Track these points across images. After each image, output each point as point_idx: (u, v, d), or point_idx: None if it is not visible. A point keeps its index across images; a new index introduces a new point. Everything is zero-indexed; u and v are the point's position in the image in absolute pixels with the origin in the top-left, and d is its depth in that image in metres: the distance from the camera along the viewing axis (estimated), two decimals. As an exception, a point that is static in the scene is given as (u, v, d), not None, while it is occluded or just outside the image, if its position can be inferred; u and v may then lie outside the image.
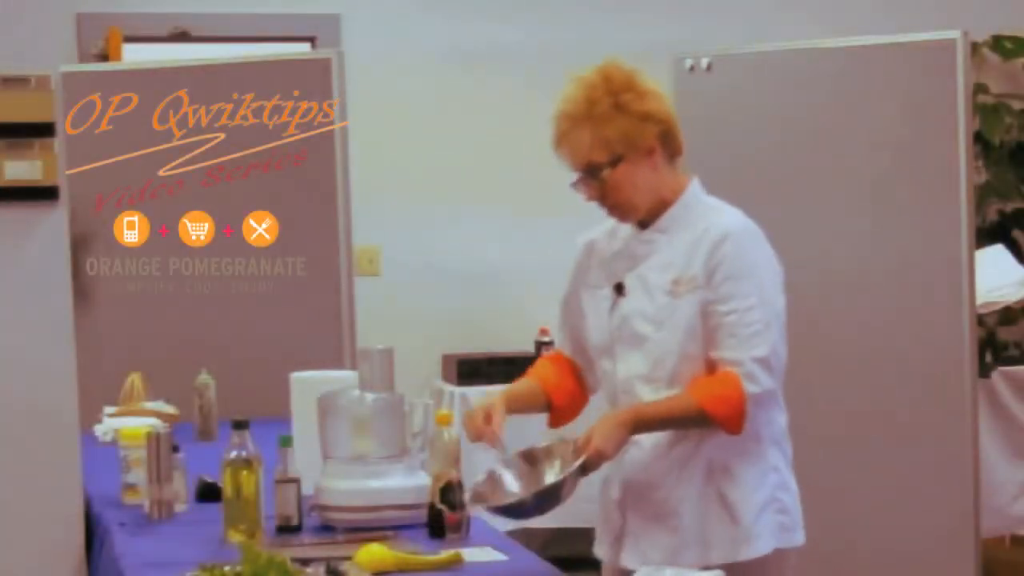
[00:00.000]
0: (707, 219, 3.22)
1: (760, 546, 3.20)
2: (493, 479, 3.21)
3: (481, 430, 3.22)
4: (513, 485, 3.18)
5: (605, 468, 3.26)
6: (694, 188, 3.28)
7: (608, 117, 3.18)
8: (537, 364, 3.50)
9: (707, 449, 3.20)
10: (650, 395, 3.21)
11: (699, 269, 3.17)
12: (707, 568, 3.11)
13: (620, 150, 3.18)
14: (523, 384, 3.43)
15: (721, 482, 3.20)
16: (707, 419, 3.13)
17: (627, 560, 3.30)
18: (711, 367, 3.17)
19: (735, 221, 3.23)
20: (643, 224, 3.27)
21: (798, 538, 3.27)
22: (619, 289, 3.26)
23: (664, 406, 3.17)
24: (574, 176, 3.24)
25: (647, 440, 3.21)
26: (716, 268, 3.16)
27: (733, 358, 3.13)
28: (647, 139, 3.19)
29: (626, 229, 3.30)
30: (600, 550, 3.43)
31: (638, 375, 3.24)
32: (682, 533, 3.22)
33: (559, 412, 3.40)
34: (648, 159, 3.20)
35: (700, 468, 3.21)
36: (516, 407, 3.31)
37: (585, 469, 3.11)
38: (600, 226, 3.40)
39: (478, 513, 3.61)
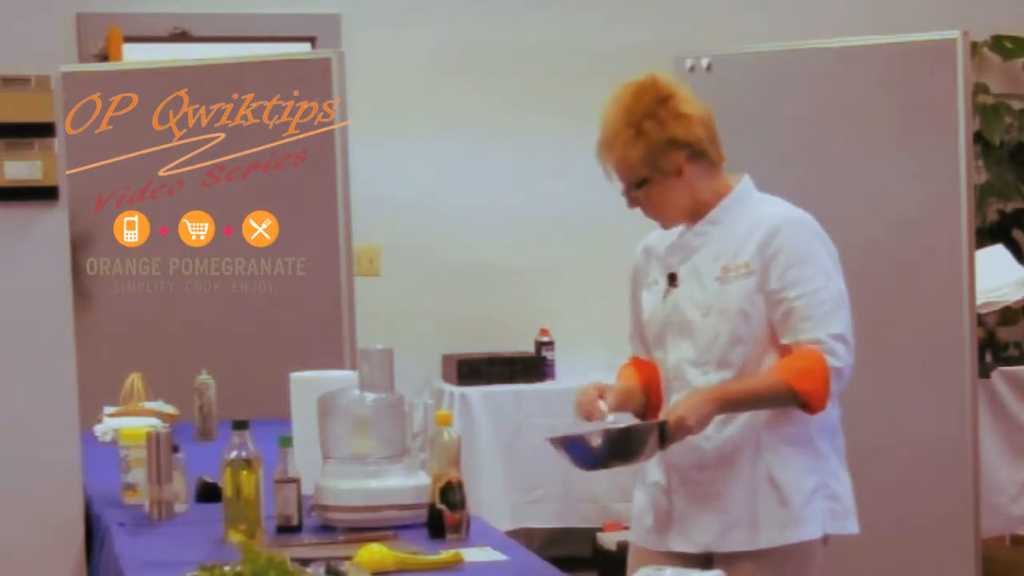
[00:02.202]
0: (760, 210, 3.31)
1: (809, 530, 3.26)
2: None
3: (592, 407, 3.23)
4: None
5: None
6: (746, 184, 3.37)
7: (630, 143, 3.28)
8: (623, 369, 3.52)
9: (755, 432, 3.25)
10: (700, 378, 3.27)
11: (752, 256, 3.24)
12: (756, 550, 3.23)
13: (644, 173, 3.28)
14: (622, 383, 3.45)
15: (771, 465, 3.26)
16: (793, 395, 3.18)
17: (675, 544, 3.34)
18: (763, 352, 3.23)
19: (788, 211, 3.32)
20: (695, 218, 3.34)
21: (850, 526, 3.33)
22: (672, 279, 3.34)
23: (750, 384, 3.23)
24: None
25: None
26: (775, 257, 3.23)
27: (812, 338, 3.19)
28: (672, 162, 3.28)
29: (678, 226, 3.37)
30: (639, 535, 3.44)
31: (687, 359, 3.30)
32: (731, 514, 3.27)
33: (653, 410, 3.42)
34: (677, 179, 3.28)
35: (749, 451, 3.26)
36: (619, 402, 3.33)
37: (664, 437, 3.14)
38: (653, 232, 3.46)
39: (478, 513, 3.62)
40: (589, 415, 3.25)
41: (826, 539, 3.30)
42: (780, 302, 3.22)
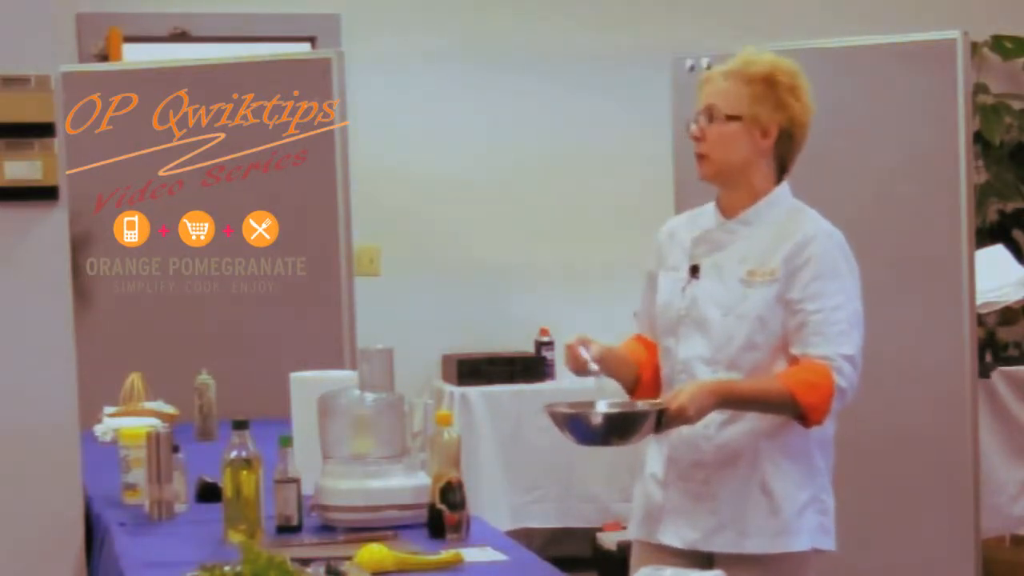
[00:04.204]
0: (793, 219, 3.32)
1: (799, 542, 3.27)
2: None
3: (578, 362, 3.27)
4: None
5: (647, 445, 3.34)
6: (784, 189, 3.38)
7: (754, 81, 3.29)
8: (626, 341, 3.55)
9: (756, 439, 3.26)
10: (709, 376, 3.28)
11: (779, 264, 3.25)
12: (743, 555, 3.24)
13: (743, 110, 3.29)
14: (620, 350, 3.48)
15: (767, 474, 3.26)
16: (794, 405, 3.19)
17: (664, 537, 3.36)
18: (775, 359, 3.24)
19: (821, 224, 3.33)
20: (726, 214, 3.35)
21: (831, 542, 3.33)
22: (694, 271, 3.34)
23: (754, 385, 3.23)
24: (694, 113, 3.35)
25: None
26: (802, 267, 3.24)
27: (821, 354, 3.20)
28: (771, 121, 3.30)
29: (708, 218, 3.39)
30: (634, 528, 3.47)
31: (699, 356, 3.31)
32: (720, 515, 3.28)
33: (644, 387, 3.44)
34: (760, 139, 3.30)
35: (747, 456, 3.27)
36: (609, 362, 3.35)
37: (661, 422, 3.15)
38: (681, 215, 3.50)
39: (478, 513, 3.62)
40: (576, 368, 3.28)
41: (818, 552, 3.31)
42: (797, 312, 3.23)
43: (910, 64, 5.28)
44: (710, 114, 3.31)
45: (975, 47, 6.76)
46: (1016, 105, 7.15)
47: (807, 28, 6.54)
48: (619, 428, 3.16)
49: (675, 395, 3.19)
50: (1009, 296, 6.15)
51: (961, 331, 5.17)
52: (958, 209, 5.17)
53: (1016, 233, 7.10)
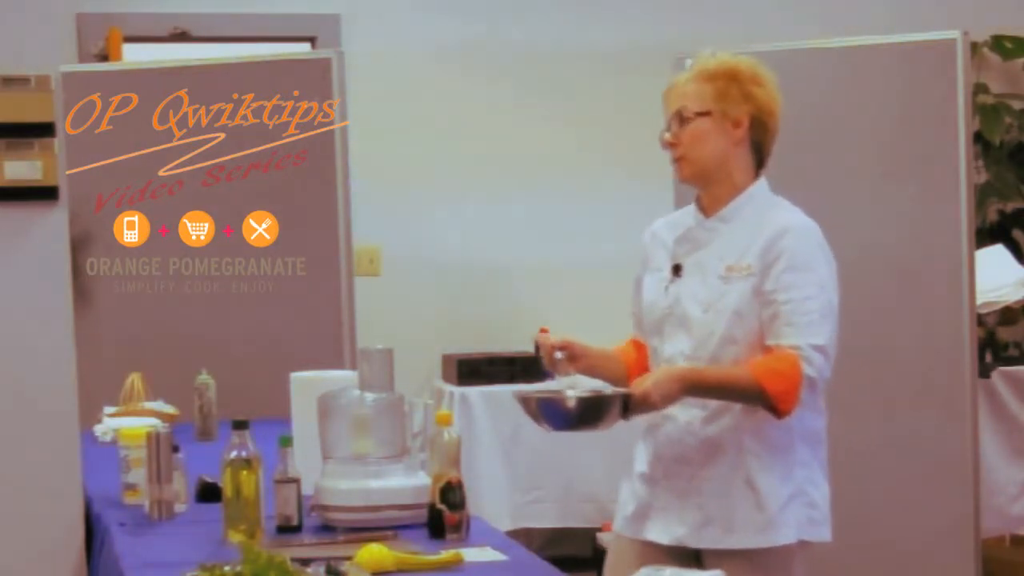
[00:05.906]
0: (769, 213, 3.35)
1: (784, 535, 3.27)
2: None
3: (553, 363, 3.36)
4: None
5: (636, 444, 3.38)
6: (761, 184, 3.41)
7: (716, 77, 3.34)
8: (622, 345, 3.59)
9: (739, 434, 3.28)
10: None
11: (754, 258, 3.28)
12: (729, 550, 3.25)
13: (711, 107, 3.33)
14: (609, 350, 3.52)
15: (750, 468, 3.28)
16: (761, 393, 3.20)
17: (651, 533, 3.38)
18: (754, 354, 3.25)
19: (796, 217, 3.36)
20: (707, 212, 3.38)
21: (824, 533, 3.34)
22: (676, 270, 3.38)
23: (722, 373, 3.26)
24: (665, 124, 3.39)
25: (681, 416, 3.30)
26: (776, 259, 3.26)
27: (791, 344, 3.22)
28: (739, 111, 3.34)
29: (689, 218, 3.41)
30: (619, 523, 3.49)
31: (682, 353, 3.33)
32: (706, 511, 3.30)
33: None
34: (733, 130, 3.34)
35: (731, 451, 3.28)
36: (597, 362, 3.43)
37: (628, 408, 3.17)
38: (664, 217, 3.54)
39: (478, 513, 3.62)
40: (548, 362, 3.38)
41: (805, 545, 3.31)
42: (770, 304, 3.25)
43: (910, 64, 5.28)
44: (680, 117, 3.35)
45: (975, 47, 6.75)
46: (1016, 105, 7.15)
47: (806, 28, 6.54)
48: (588, 412, 3.19)
49: (640, 380, 3.22)
50: (1009, 296, 6.15)
51: (961, 331, 5.17)
52: (958, 209, 5.17)
53: (1016, 233, 7.10)
